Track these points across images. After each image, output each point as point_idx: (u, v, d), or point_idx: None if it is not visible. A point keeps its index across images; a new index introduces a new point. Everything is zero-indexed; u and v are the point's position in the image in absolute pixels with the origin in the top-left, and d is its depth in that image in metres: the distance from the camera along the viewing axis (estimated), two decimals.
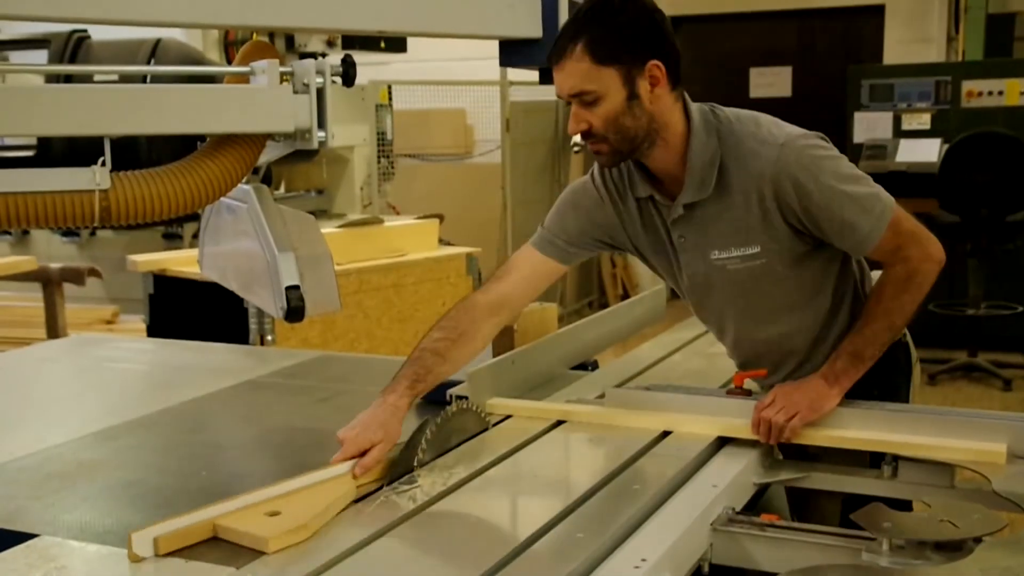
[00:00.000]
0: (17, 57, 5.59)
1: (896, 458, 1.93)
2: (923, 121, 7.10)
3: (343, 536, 1.57)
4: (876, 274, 2.14)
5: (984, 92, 6.97)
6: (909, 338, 2.27)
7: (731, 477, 1.85)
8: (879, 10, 8.20)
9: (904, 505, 1.90)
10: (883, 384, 2.13)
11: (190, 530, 1.60)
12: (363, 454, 1.82)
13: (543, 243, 2.24)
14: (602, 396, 2.24)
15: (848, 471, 1.98)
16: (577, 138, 6.71)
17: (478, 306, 2.17)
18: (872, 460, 2.00)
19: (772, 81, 8.68)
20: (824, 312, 2.15)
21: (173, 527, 1.58)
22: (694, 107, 2.04)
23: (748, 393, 2.13)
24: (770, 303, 2.14)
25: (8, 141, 5.44)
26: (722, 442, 2.02)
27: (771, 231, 2.02)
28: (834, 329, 2.16)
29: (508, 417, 2.18)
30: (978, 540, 1.55)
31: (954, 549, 1.55)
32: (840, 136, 6.98)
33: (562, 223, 2.23)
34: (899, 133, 7.14)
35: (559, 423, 2.14)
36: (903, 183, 6.46)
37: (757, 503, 1.98)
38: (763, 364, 2.22)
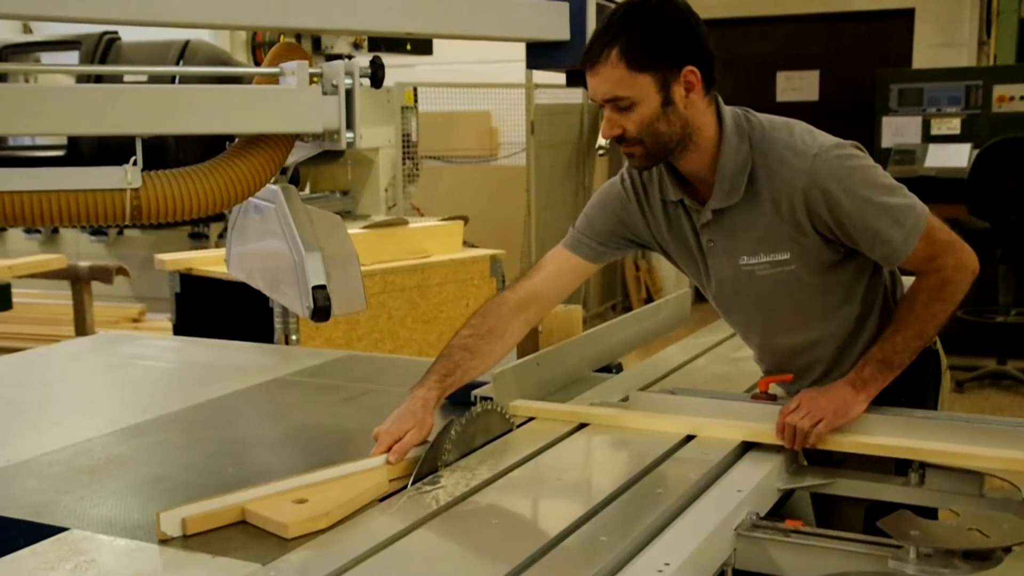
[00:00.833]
0: (49, 58, 5.64)
1: (923, 465, 1.92)
2: (953, 126, 7.05)
3: (367, 534, 1.58)
4: (908, 280, 2.13)
5: (1016, 97, 6.92)
6: (940, 345, 2.25)
7: (755, 482, 1.84)
8: (909, 13, 8.15)
9: (929, 513, 1.89)
10: (912, 391, 2.11)
11: (218, 513, 1.63)
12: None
13: (573, 242, 2.25)
14: (626, 399, 2.23)
15: (874, 478, 1.97)
16: (602, 141, 6.67)
17: (507, 303, 2.19)
18: (898, 467, 1.99)
19: (799, 85, 8.65)
20: (852, 320, 2.14)
21: (201, 509, 1.61)
22: (727, 112, 2.03)
23: (773, 398, 2.12)
24: (798, 310, 2.13)
25: (39, 140, 5.49)
26: (747, 447, 2.01)
27: (801, 239, 2.01)
28: (862, 337, 2.15)
29: (531, 419, 2.18)
30: (1007, 550, 1.54)
31: (982, 558, 1.54)
32: (868, 141, 6.92)
33: (591, 222, 2.24)
34: (928, 138, 7.10)
35: (582, 426, 2.14)
36: (932, 188, 6.41)
37: (781, 509, 1.97)
38: (789, 370, 2.21)
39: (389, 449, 1.88)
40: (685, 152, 2.01)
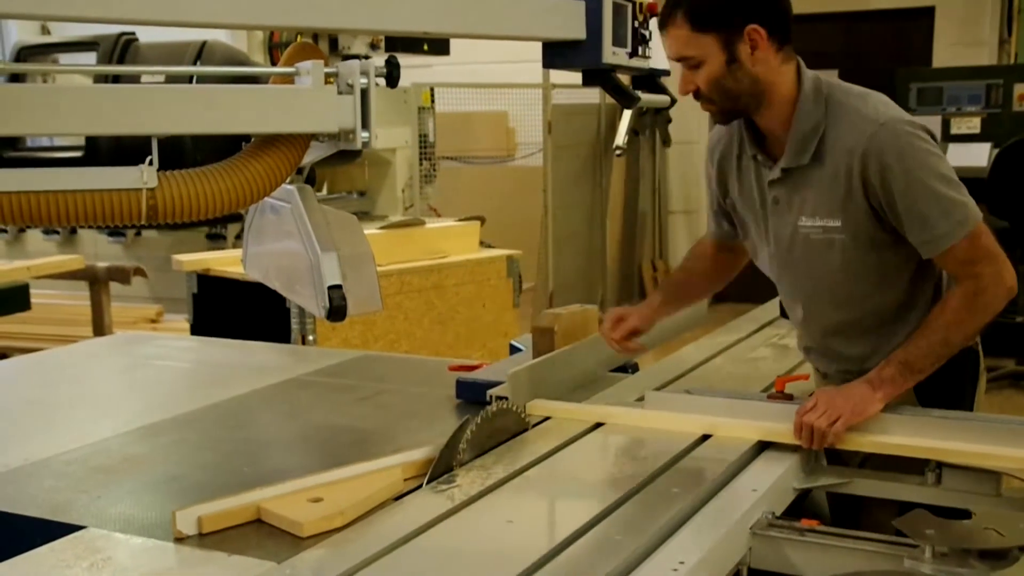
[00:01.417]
0: (67, 59, 5.67)
1: (940, 465, 1.91)
2: (973, 125, 7.01)
3: (382, 533, 1.58)
4: None
5: None
6: (980, 346, 2.22)
7: (771, 481, 1.84)
8: (929, 12, 8.11)
9: (961, 514, 1.87)
10: (949, 388, 2.09)
11: (233, 511, 1.64)
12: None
13: (716, 236, 2.42)
14: (642, 399, 2.23)
15: (891, 477, 1.96)
16: (619, 141, 6.67)
17: (705, 242, 2.46)
18: (914, 467, 1.98)
19: None
20: (892, 308, 2.12)
21: (217, 508, 1.62)
22: (808, 74, 2.08)
23: (790, 397, 2.11)
24: (840, 284, 2.12)
25: (57, 141, 5.53)
26: (763, 446, 2.01)
27: (854, 206, 2.02)
28: (903, 329, 2.11)
29: (547, 418, 2.18)
30: None
31: (999, 558, 1.53)
32: None
33: (709, 182, 2.36)
34: (948, 137, 7.05)
35: (598, 425, 2.14)
36: None
37: (801, 507, 1.96)
38: (826, 354, 2.23)
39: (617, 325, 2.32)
40: (760, 108, 2.07)
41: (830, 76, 2.12)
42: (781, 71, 2.05)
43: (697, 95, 2.07)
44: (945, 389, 2.08)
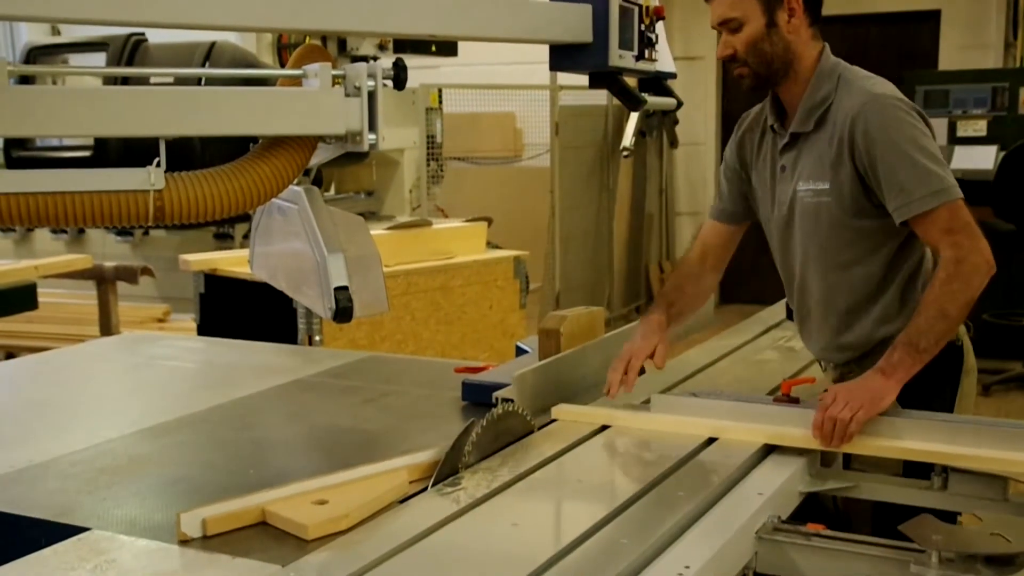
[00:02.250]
0: (76, 60, 5.68)
1: (946, 469, 1.90)
2: (979, 128, 7.00)
3: (387, 535, 1.58)
4: None
5: None
6: (968, 346, 2.26)
7: (777, 485, 1.84)
8: (935, 15, 8.09)
9: (951, 517, 1.88)
10: (924, 383, 2.08)
11: (238, 513, 1.64)
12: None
13: (712, 211, 2.52)
14: (647, 401, 2.23)
15: (897, 481, 1.96)
16: (626, 142, 6.63)
17: (690, 258, 2.52)
18: (911, 470, 1.98)
19: None
20: (874, 280, 2.22)
21: (222, 510, 1.62)
22: (831, 57, 2.25)
23: (796, 401, 2.11)
24: (829, 251, 2.23)
25: (66, 141, 5.54)
26: (768, 450, 2.01)
27: (840, 170, 2.15)
28: (878, 303, 2.22)
29: (553, 421, 2.18)
30: None
31: (1005, 563, 1.53)
32: None
33: (725, 163, 2.47)
34: (954, 140, 7.04)
35: (604, 428, 2.14)
36: None
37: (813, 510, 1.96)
38: (811, 323, 2.33)
39: (628, 371, 2.22)
40: (786, 79, 2.23)
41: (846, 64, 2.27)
42: (810, 45, 2.23)
43: (732, 59, 2.21)
44: (921, 387, 2.07)
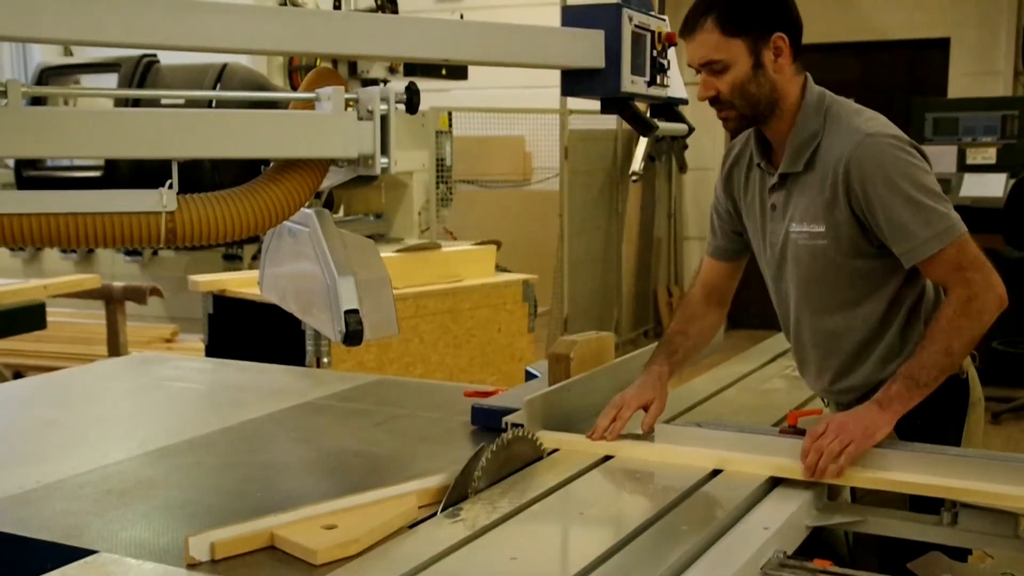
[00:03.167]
0: (89, 80, 5.71)
1: (955, 504, 1.86)
2: (988, 155, 6.99)
3: (396, 561, 1.57)
4: None
5: None
6: (974, 378, 2.22)
7: (783, 519, 1.80)
8: (944, 43, 8.11)
9: (961, 554, 1.85)
10: (930, 416, 2.07)
11: (247, 537, 1.63)
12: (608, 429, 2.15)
13: (709, 248, 2.46)
14: (652, 431, 2.20)
15: (906, 516, 1.92)
16: (635, 167, 6.63)
17: (695, 295, 2.46)
18: (919, 505, 1.94)
19: None
20: (876, 321, 2.16)
21: (230, 533, 1.61)
22: (815, 89, 2.16)
23: (802, 432, 2.07)
24: (826, 293, 2.17)
25: (77, 161, 5.55)
26: (774, 482, 1.96)
27: (837, 213, 2.08)
28: (882, 343, 2.16)
29: (556, 450, 2.15)
30: None
31: None
32: None
33: (716, 202, 2.40)
34: (963, 167, 7.03)
35: (607, 458, 2.11)
36: (967, 218, 6.24)
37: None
38: (811, 364, 2.27)
39: (617, 419, 2.14)
40: (772, 117, 2.14)
41: (831, 94, 2.19)
42: (793, 82, 2.14)
43: (714, 101, 2.12)
44: (925, 416, 2.04)
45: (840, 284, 2.15)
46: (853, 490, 2.05)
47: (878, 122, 2.09)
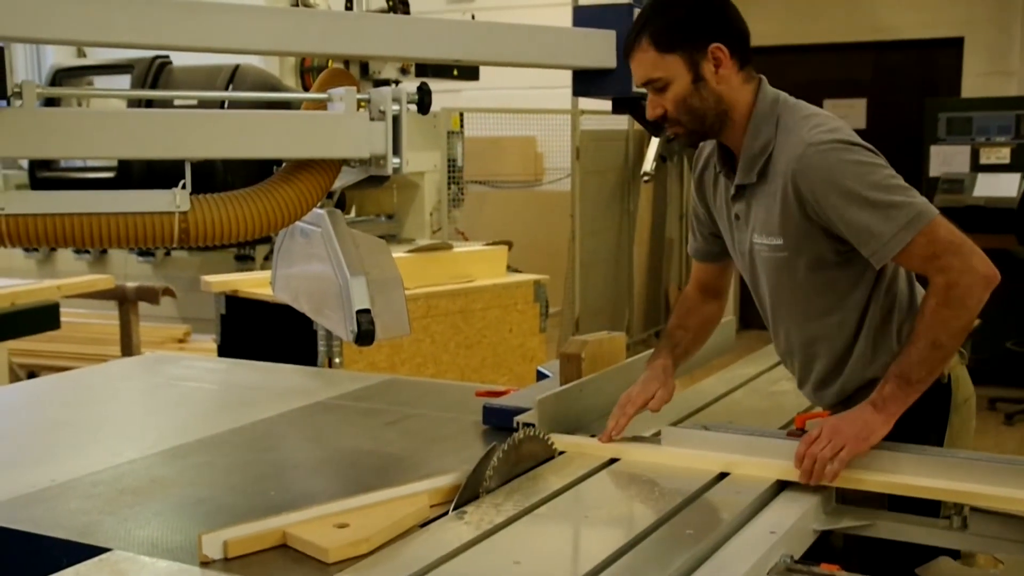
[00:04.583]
0: (102, 82, 5.74)
1: (962, 508, 1.84)
2: (1002, 155, 6.97)
3: (408, 560, 1.57)
4: None
5: None
6: (957, 376, 2.16)
7: (790, 523, 1.78)
8: (958, 42, 8.08)
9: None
10: (907, 419, 1.99)
11: (259, 536, 1.64)
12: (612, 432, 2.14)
13: (691, 251, 2.43)
14: (658, 434, 2.18)
15: (916, 520, 1.89)
16: (647, 167, 6.65)
17: (691, 293, 2.44)
18: (927, 509, 1.92)
19: (846, 113, 8.56)
20: (849, 327, 2.13)
21: (243, 532, 1.62)
22: (769, 94, 2.10)
23: None
24: (795, 302, 2.15)
25: (90, 162, 5.58)
26: (781, 486, 1.94)
27: (792, 225, 2.04)
28: (856, 350, 2.13)
29: (562, 453, 2.14)
30: None
31: None
32: (916, 170, 6.87)
33: (695, 207, 2.36)
34: (977, 167, 7.01)
35: (613, 460, 2.09)
36: (980, 218, 6.34)
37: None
38: (796, 364, 2.25)
39: (621, 416, 2.14)
40: (724, 128, 2.09)
41: (787, 96, 2.14)
42: (742, 90, 2.08)
43: (663, 119, 2.09)
44: (904, 426, 1.98)
45: (808, 294, 2.11)
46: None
47: (822, 128, 2.01)
